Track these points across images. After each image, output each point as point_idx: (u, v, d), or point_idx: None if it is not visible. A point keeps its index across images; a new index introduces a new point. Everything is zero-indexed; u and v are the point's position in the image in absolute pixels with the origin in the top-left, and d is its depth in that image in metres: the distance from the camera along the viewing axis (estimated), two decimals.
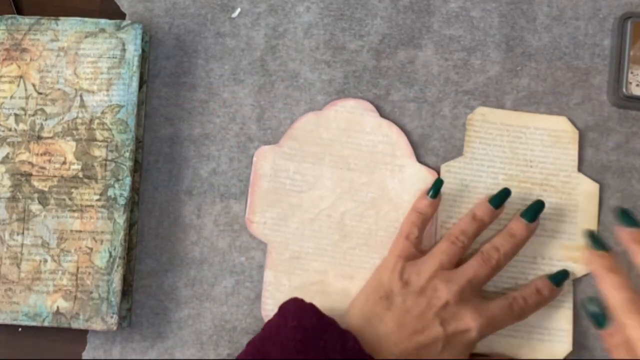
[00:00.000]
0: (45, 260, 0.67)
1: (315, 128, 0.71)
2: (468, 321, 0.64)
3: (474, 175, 0.70)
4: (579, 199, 0.70)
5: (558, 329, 0.68)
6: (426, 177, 0.70)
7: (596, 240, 0.60)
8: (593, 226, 0.69)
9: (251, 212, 0.70)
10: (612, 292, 0.57)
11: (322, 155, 0.71)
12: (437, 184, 0.68)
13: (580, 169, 0.70)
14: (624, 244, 0.59)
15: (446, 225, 0.69)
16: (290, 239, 0.70)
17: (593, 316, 0.59)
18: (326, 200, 0.70)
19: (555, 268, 0.68)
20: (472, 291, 0.65)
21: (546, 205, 0.68)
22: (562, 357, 0.67)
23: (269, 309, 0.69)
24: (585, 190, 0.70)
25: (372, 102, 0.72)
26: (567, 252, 0.69)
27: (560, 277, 0.68)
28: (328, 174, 0.71)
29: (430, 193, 0.68)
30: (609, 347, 0.58)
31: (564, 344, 0.68)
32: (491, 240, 0.67)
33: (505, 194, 0.67)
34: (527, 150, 0.70)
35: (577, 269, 0.69)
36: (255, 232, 0.70)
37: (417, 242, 0.67)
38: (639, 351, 0.54)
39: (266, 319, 0.68)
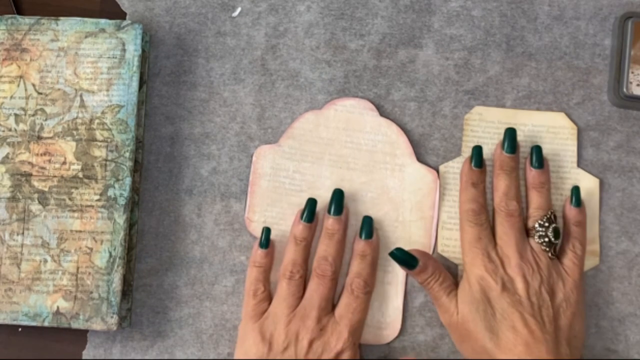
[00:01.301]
0: (45, 260, 0.67)
1: (314, 127, 0.71)
2: (338, 344, 0.64)
3: None
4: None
5: None
6: (425, 176, 0.70)
7: (476, 157, 0.68)
8: (594, 222, 0.69)
9: (250, 211, 0.70)
10: (464, 203, 0.67)
11: (322, 155, 0.71)
12: (266, 233, 0.67)
13: (580, 168, 0.70)
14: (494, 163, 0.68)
15: (447, 226, 0.69)
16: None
17: (403, 262, 0.66)
18: (326, 200, 0.70)
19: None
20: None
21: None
22: None
23: None
24: (586, 185, 0.70)
25: (372, 102, 0.71)
26: None
27: (365, 228, 0.68)
28: (327, 174, 0.70)
29: (262, 242, 0.67)
30: (421, 283, 0.67)
31: None
32: (350, 270, 0.67)
33: (312, 204, 0.68)
34: (526, 147, 0.70)
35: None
36: (254, 231, 0.70)
37: (266, 296, 0.67)
38: (465, 254, 0.66)
39: None
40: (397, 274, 0.69)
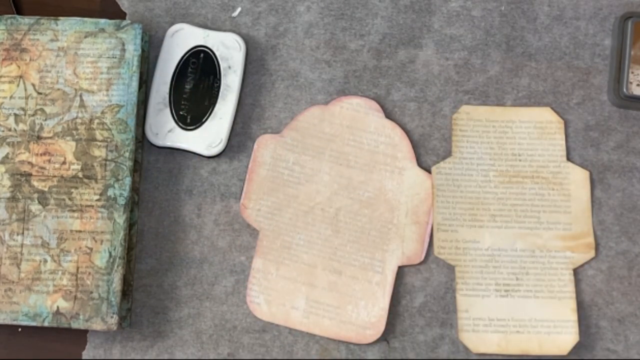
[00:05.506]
0: (45, 260, 0.67)
1: (319, 122, 0.71)
2: None
3: (464, 175, 0.70)
4: (570, 188, 0.70)
5: (563, 320, 0.68)
6: (424, 182, 0.70)
7: None
8: (587, 213, 0.69)
9: (246, 198, 0.70)
10: None
11: (323, 150, 0.71)
12: None
13: (570, 161, 0.70)
14: None
15: (442, 228, 0.69)
16: (282, 229, 0.70)
17: None
18: (322, 195, 0.70)
19: (554, 259, 0.68)
20: None
21: (539, 197, 0.68)
22: (569, 348, 0.67)
23: (254, 295, 0.69)
24: (576, 178, 0.70)
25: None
26: (564, 242, 0.69)
27: None
28: (327, 169, 0.71)
29: None
30: None
31: (570, 334, 0.68)
32: None
33: None
34: (515, 144, 0.70)
35: (576, 258, 0.69)
36: (248, 218, 0.70)
37: None
38: None
39: (250, 306, 0.69)
40: (386, 275, 0.69)
